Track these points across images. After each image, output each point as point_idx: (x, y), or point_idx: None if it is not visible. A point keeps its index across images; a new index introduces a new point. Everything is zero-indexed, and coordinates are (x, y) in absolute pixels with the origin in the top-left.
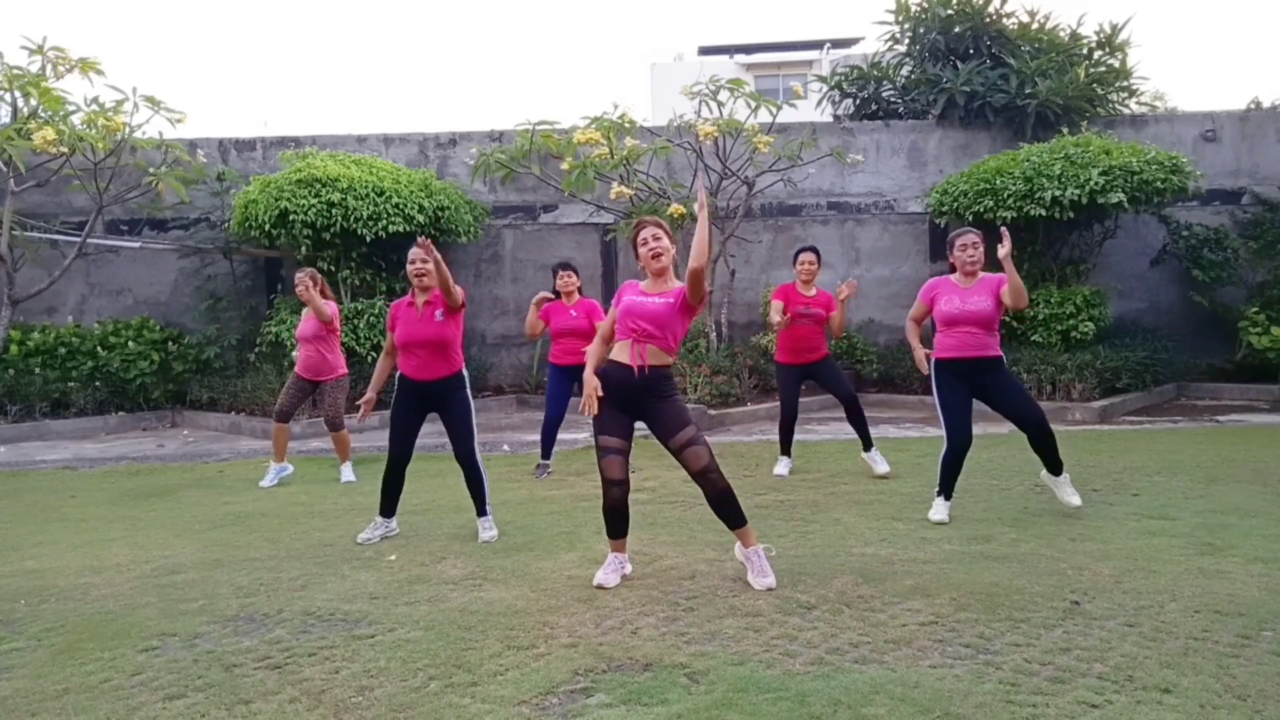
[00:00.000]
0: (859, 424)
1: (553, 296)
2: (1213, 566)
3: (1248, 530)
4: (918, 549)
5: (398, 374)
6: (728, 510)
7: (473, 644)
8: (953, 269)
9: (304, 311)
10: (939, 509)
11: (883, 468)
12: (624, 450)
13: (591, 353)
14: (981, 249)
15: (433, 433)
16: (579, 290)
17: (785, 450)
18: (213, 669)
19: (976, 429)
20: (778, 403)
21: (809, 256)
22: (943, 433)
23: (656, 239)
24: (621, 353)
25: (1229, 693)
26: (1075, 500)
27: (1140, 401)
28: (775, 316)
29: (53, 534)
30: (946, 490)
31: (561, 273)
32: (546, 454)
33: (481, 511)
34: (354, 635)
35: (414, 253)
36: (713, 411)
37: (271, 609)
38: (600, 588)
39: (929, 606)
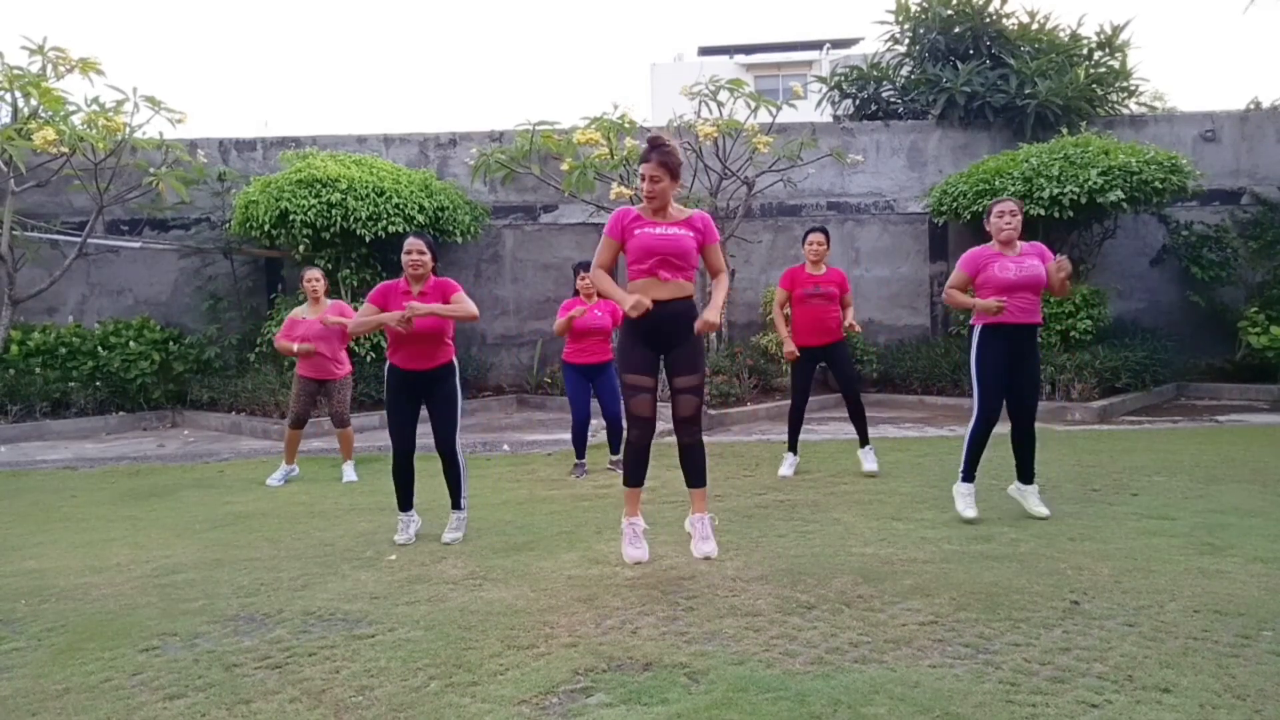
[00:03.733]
0: (858, 419)
1: (578, 313)
2: (1212, 566)
3: (1247, 530)
4: (917, 549)
5: (388, 365)
6: (696, 464)
7: (473, 644)
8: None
9: (302, 310)
10: (965, 500)
11: (870, 466)
12: (653, 389)
13: (609, 288)
14: (1019, 218)
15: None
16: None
17: (792, 446)
18: (213, 669)
19: None
20: (778, 403)
21: (818, 237)
22: (972, 408)
23: (655, 181)
24: (648, 290)
25: (1229, 692)
26: (1043, 510)
27: (1140, 401)
28: (787, 346)
29: (53, 534)
30: (969, 471)
31: (584, 273)
32: (581, 454)
33: (456, 505)
34: (354, 635)
35: (412, 243)
36: (713, 411)
37: (272, 609)
38: (638, 563)
39: (929, 606)
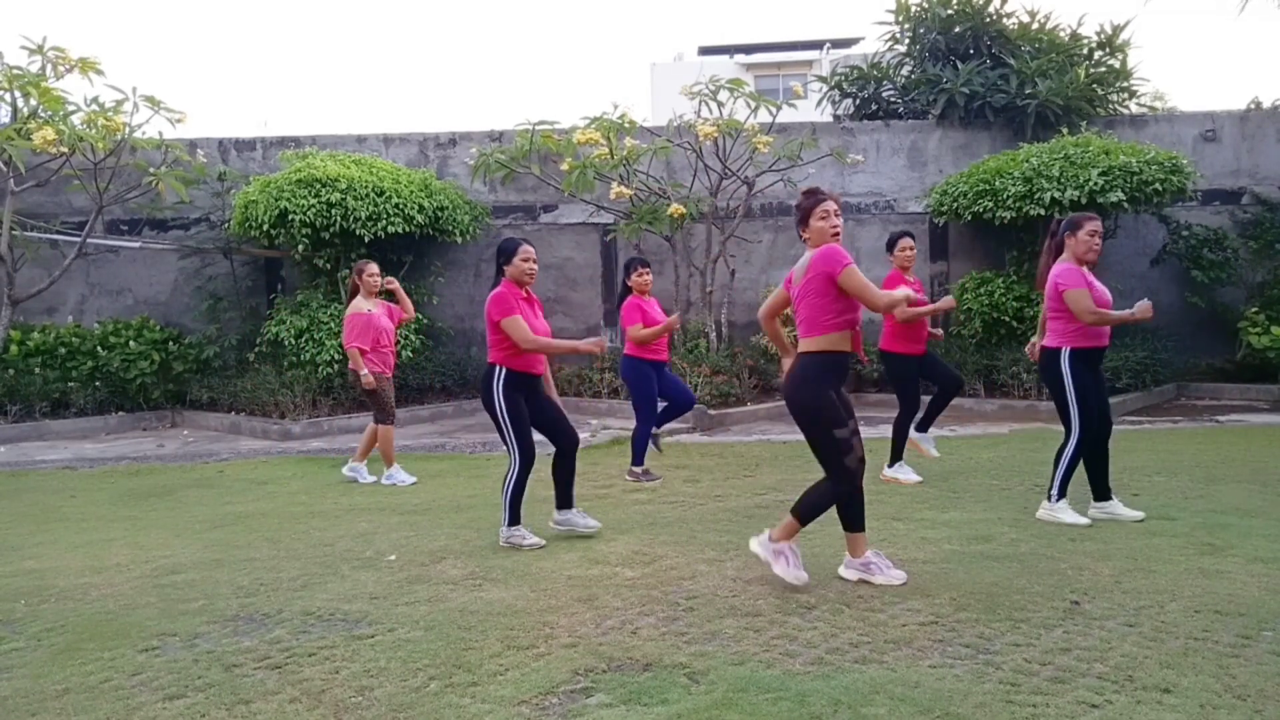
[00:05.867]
0: (941, 407)
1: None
2: (1213, 566)
3: (1248, 530)
4: (918, 549)
5: (506, 371)
6: (859, 507)
7: (473, 644)
8: (1057, 252)
9: (366, 305)
10: (1068, 509)
11: (931, 451)
12: None
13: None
14: None
15: (433, 433)
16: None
17: (900, 454)
18: (213, 669)
19: (975, 428)
20: (778, 403)
21: (909, 242)
22: (1071, 431)
23: (839, 215)
24: (845, 343)
25: (1229, 693)
26: (1137, 514)
27: (1140, 401)
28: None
29: (53, 534)
30: (1064, 490)
31: (641, 269)
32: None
33: (571, 501)
34: (354, 635)
35: (530, 250)
36: (713, 411)
37: (271, 609)
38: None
39: (929, 606)
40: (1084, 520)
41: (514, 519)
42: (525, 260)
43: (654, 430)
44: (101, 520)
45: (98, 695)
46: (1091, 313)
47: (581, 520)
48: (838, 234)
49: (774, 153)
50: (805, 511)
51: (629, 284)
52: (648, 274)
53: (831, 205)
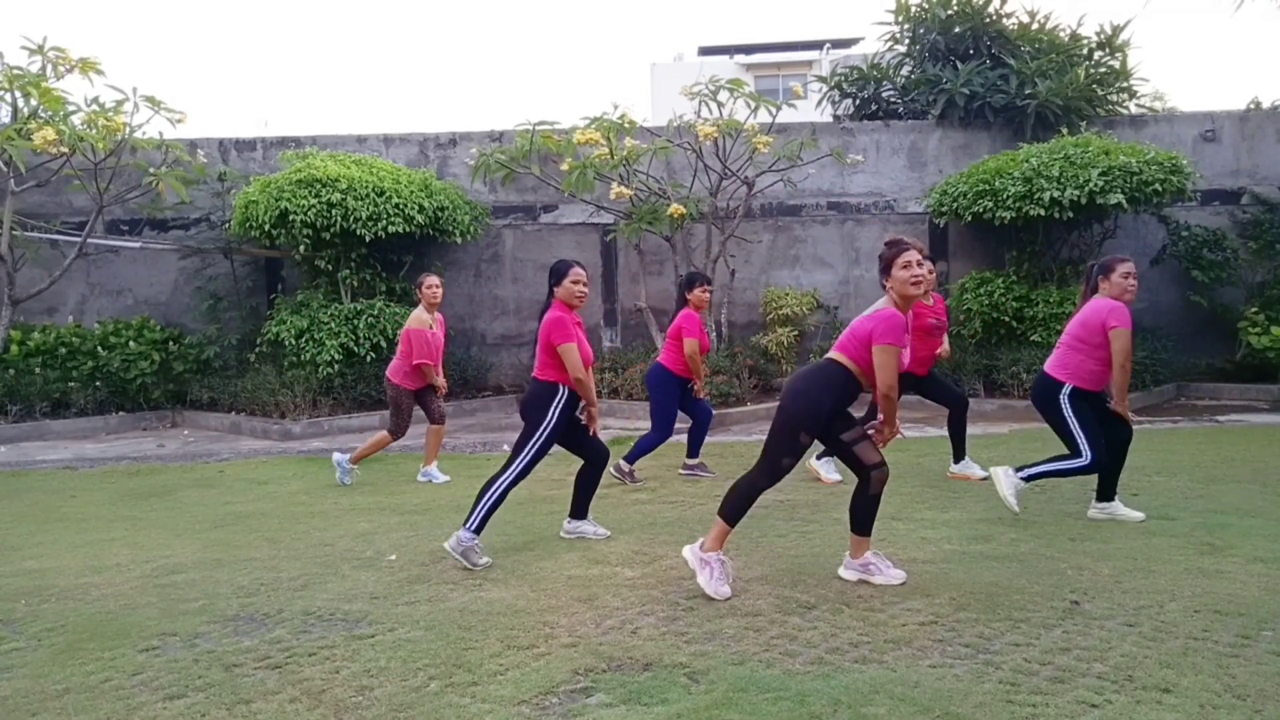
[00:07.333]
0: (964, 431)
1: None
2: (1212, 566)
3: (1247, 530)
4: (917, 549)
5: (569, 393)
6: (872, 512)
7: (473, 644)
8: (1091, 294)
9: (428, 319)
10: (1012, 483)
11: (980, 472)
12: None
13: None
14: None
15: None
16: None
17: (962, 453)
18: (213, 669)
19: (975, 429)
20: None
21: (928, 265)
22: (1083, 455)
23: (920, 265)
24: (867, 380)
25: (1229, 692)
26: (1139, 515)
27: (1140, 401)
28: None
29: (53, 534)
30: (1034, 478)
31: (704, 285)
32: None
33: (586, 512)
34: (354, 635)
35: (581, 273)
36: (714, 411)
37: (271, 609)
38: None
39: (929, 606)
40: (1013, 503)
41: (481, 527)
42: (575, 282)
43: (656, 448)
44: (101, 520)
45: (98, 695)
46: (1127, 356)
47: (593, 530)
48: (918, 283)
49: (774, 153)
50: (732, 511)
51: (687, 297)
52: (709, 292)
53: (914, 255)
